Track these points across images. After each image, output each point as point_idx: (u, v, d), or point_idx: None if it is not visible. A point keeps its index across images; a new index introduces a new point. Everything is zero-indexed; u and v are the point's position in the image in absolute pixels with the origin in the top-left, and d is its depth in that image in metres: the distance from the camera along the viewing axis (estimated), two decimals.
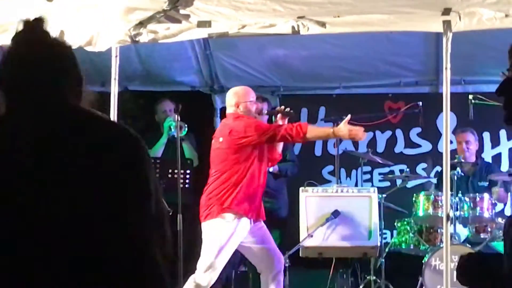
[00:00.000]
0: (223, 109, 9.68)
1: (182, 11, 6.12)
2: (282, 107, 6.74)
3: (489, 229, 7.70)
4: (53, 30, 2.30)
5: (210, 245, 6.35)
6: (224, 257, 6.38)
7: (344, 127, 6.29)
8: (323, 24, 5.93)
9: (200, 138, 8.79)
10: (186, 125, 8.00)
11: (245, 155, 6.40)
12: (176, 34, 6.29)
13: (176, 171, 6.87)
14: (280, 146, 6.91)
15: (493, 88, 8.96)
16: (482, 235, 7.73)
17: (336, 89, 9.44)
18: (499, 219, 7.74)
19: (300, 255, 7.14)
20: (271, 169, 7.89)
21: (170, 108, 8.20)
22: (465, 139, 8.21)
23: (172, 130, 7.93)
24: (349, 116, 6.39)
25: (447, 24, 5.80)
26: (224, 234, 6.32)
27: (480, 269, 2.44)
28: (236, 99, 6.60)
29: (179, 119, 6.88)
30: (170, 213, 6.32)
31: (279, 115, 6.70)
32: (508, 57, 2.42)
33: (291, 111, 6.72)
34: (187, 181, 7.37)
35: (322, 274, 7.56)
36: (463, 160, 7.91)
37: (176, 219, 6.41)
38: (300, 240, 6.98)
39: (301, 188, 7.22)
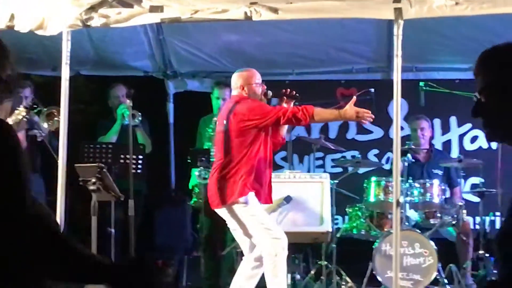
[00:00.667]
0: (176, 95, 9.70)
1: None
2: (288, 89, 6.61)
3: (438, 215, 7.80)
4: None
5: (243, 224, 6.27)
6: (267, 224, 6.28)
7: (350, 109, 6.21)
8: (275, 10, 5.93)
9: (153, 123, 8.76)
10: (139, 114, 7.94)
11: (250, 139, 6.32)
12: (128, 18, 6.24)
13: (128, 156, 6.83)
14: (284, 130, 6.82)
15: (443, 75, 9.01)
16: (431, 221, 7.82)
17: (289, 75, 9.46)
18: (449, 205, 7.85)
19: None
20: None
21: (122, 93, 8.13)
22: (420, 126, 8.30)
23: (126, 118, 7.84)
24: (354, 98, 6.35)
25: (398, 12, 5.84)
26: (246, 211, 6.25)
27: None
28: (241, 81, 6.51)
29: (131, 105, 6.84)
30: (122, 199, 6.33)
31: (284, 98, 6.62)
32: (474, 76, 2.46)
33: (297, 94, 6.64)
34: (139, 166, 7.34)
35: None
36: (413, 146, 8.00)
37: (127, 204, 6.39)
38: None
39: None
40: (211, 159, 7.40)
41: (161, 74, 9.58)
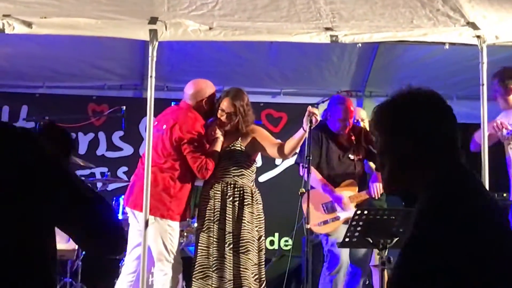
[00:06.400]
0: None
1: None
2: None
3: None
4: None
5: (162, 244, 6.10)
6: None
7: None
8: (29, 24, 5.80)
9: None
10: None
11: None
12: None
13: None
14: None
15: None
16: None
17: (39, 88, 9.27)
18: None
19: None
20: None
21: None
22: None
23: None
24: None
25: (153, 33, 5.90)
26: (170, 238, 6.14)
27: None
28: (204, 93, 6.33)
29: None
30: None
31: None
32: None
33: None
34: None
35: None
36: None
37: None
38: None
39: None
40: None
41: None
